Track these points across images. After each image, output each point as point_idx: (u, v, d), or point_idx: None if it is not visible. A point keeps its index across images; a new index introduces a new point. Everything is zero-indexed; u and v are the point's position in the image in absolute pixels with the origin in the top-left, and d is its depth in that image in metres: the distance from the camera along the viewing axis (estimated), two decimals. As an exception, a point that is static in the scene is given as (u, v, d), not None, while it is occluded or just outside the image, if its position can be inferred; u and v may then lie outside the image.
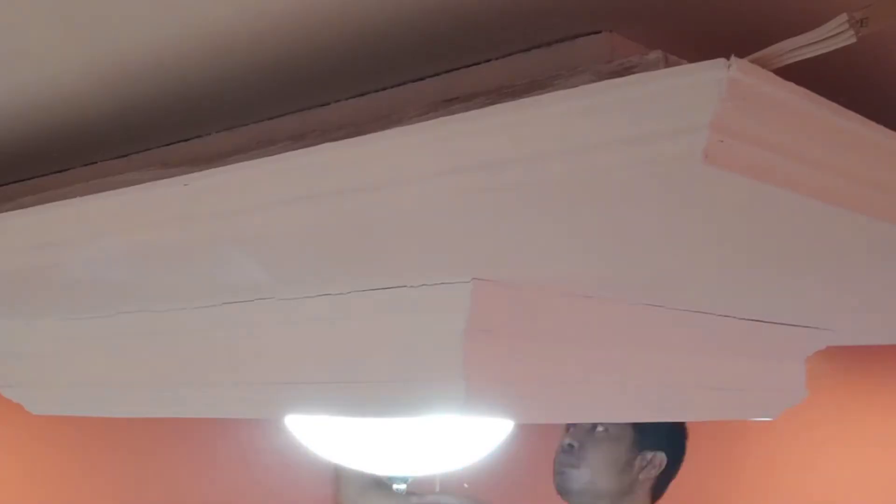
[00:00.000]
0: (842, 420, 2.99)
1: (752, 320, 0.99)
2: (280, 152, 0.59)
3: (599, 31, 0.62)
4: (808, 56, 0.46)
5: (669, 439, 1.73)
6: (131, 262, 0.75)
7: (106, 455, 1.99)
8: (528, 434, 1.51)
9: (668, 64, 0.49)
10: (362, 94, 0.73)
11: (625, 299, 0.84)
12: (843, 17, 0.45)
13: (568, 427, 1.71)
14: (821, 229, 0.60)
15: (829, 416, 2.94)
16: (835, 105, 0.48)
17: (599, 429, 1.67)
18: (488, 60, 0.66)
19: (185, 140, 0.83)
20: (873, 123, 0.51)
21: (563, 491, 1.70)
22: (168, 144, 0.84)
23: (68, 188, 0.78)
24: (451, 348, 0.73)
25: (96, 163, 0.89)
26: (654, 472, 1.71)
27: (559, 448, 1.70)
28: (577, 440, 1.68)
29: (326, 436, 1.13)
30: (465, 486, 1.71)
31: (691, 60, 0.45)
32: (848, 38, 0.45)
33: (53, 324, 1.03)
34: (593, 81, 0.48)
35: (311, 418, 1.11)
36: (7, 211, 0.75)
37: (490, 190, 0.52)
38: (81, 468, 1.96)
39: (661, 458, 1.71)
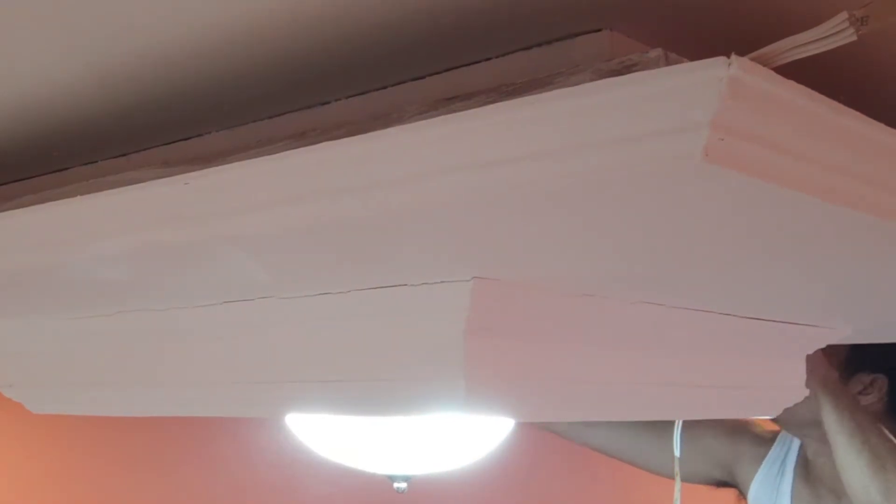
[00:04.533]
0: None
1: (753, 318, 0.99)
2: (280, 151, 0.59)
3: (600, 30, 0.62)
4: (809, 54, 0.46)
5: (892, 360, 1.42)
6: (131, 261, 0.75)
7: (106, 454, 1.99)
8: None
9: (668, 62, 0.49)
10: (362, 93, 0.72)
11: (625, 299, 0.84)
12: (844, 15, 0.45)
13: None
14: (822, 228, 0.60)
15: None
16: (835, 103, 0.48)
17: None
18: (488, 59, 0.66)
19: (186, 139, 0.83)
20: (874, 121, 0.51)
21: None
22: (168, 143, 0.84)
23: (68, 188, 0.78)
24: (452, 347, 0.73)
25: (96, 162, 0.89)
26: (872, 399, 1.43)
27: None
28: None
29: (326, 435, 1.13)
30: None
31: (692, 59, 0.45)
32: (848, 37, 0.45)
33: (53, 324, 1.03)
34: (593, 80, 0.47)
35: (311, 417, 1.11)
36: (7, 211, 0.75)
37: (490, 189, 0.52)
38: (81, 467, 1.96)
39: (881, 382, 1.44)
